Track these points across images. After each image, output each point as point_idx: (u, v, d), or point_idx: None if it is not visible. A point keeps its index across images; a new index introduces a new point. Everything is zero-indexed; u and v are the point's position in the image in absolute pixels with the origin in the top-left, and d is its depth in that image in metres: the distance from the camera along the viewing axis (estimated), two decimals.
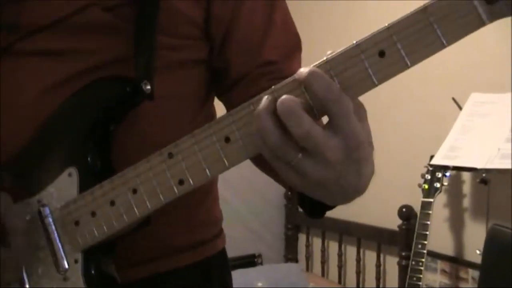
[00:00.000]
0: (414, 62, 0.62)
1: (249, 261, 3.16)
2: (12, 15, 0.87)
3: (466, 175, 2.53)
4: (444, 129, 2.36)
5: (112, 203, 0.80)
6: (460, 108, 2.37)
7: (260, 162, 0.82)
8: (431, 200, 2.37)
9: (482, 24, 0.59)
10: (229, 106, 0.99)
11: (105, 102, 0.84)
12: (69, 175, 0.84)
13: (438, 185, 2.38)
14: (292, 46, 1.00)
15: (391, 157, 2.85)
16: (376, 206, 2.96)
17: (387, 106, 2.63)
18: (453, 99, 2.40)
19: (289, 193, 3.45)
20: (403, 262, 2.66)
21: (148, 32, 0.86)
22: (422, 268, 2.34)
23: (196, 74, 0.97)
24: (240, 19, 0.95)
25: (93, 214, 0.82)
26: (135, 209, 0.79)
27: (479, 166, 2.12)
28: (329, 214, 2.93)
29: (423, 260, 2.34)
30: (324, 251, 3.29)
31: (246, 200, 3.27)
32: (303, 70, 0.64)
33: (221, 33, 0.95)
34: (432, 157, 2.36)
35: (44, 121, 0.86)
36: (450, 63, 2.44)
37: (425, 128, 2.68)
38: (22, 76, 0.88)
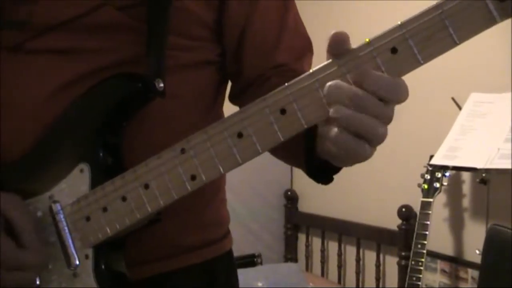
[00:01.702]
0: (427, 59, 0.63)
1: (249, 261, 3.16)
2: (24, 13, 0.88)
3: (465, 175, 2.54)
4: (443, 129, 2.36)
5: (124, 198, 0.81)
6: (460, 108, 2.37)
7: (276, 149, 0.83)
8: (431, 200, 2.37)
9: (494, 22, 0.60)
10: None
11: (117, 98, 0.85)
12: (81, 171, 0.85)
13: (437, 185, 2.38)
14: (303, 48, 1.01)
15: (391, 157, 2.84)
16: (375, 206, 2.97)
17: None
18: (453, 99, 2.41)
19: (289, 192, 3.46)
20: (403, 262, 2.67)
21: (160, 31, 0.87)
22: (421, 268, 2.34)
23: (206, 75, 0.97)
24: (254, 22, 0.96)
25: (105, 209, 0.82)
26: (147, 204, 0.79)
27: (478, 166, 2.12)
28: (329, 214, 2.94)
29: (423, 260, 2.34)
30: (323, 251, 3.29)
31: (246, 200, 3.27)
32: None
33: (235, 36, 0.96)
34: (431, 157, 2.36)
35: (55, 118, 0.87)
36: (450, 63, 2.44)
37: (425, 128, 2.69)
38: (32, 75, 0.88)
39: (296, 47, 1.00)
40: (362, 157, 0.71)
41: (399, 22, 0.64)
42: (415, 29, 0.63)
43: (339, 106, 0.67)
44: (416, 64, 0.64)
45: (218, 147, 0.73)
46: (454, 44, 0.62)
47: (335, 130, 0.68)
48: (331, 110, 0.67)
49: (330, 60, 0.67)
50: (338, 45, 0.67)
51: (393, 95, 0.67)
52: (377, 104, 0.67)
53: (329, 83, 0.67)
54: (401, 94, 0.67)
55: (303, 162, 0.86)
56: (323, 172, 0.84)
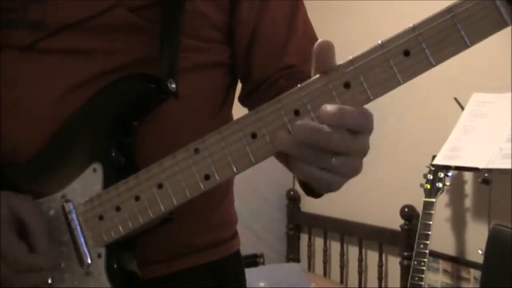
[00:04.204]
0: (439, 61, 0.65)
1: (251, 261, 3.17)
2: (38, 13, 0.89)
3: (468, 175, 2.54)
4: (446, 129, 2.36)
5: (137, 198, 0.81)
6: (462, 108, 2.38)
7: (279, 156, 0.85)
8: (433, 200, 2.37)
9: (505, 24, 0.61)
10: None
11: (130, 99, 0.86)
12: (94, 170, 0.86)
13: (440, 185, 2.38)
14: (311, 50, 1.02)
15: (393, 157, 2.86)
16: (378, 206, 2.97)
17: (389, 106, 2.64)
18: (455, 99, 2.41)
19: (291, 192, 3.47)
20: (405, 262, 2.67)
21: (173, 33, 0.88)
22: (424, 268, 2.34)
23: (217, 76, 0.99)
24: (264, 24, 0.97)
25: (118, 208, 0.83)
26: (160, 204, 0.80)
27: (481, 166, 2.13)
28: (331, 214, 2.93)
29: (425, 260, 2.35)
30: (326, 251, 3.30)
31: (248, 200, 3.28)
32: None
33: (246, 38, 0.97)
34: (434, 157, 2.36)
35: (67, 118, 0.88)
36: (453, 63, 2.43)
37: (427, 128, 2.69)
38: (45, 75, 0.89)
39: (304, 49, 1.00)
40: (334, 187, 0.74)
41: (411, 25, 0.65)
42: (428, 32, 0.64)
43: (301, 146, 0.69)
44: (429, 66, 0.65)
45: (232, 147, 0.74)
46: (466, 46, 0.63)
47: (298, 164, 0.71)
48: (294, 150, 0.70)
49: (341, 63, 0.68)
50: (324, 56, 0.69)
51: (361, 126, 0.68)
52: (343, 140, 0.68)
53: (297, 123, 0.69)
54: (368, 125, 0.69)
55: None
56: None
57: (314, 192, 0.85)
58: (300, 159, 0.70)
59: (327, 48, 0.69)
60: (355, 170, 0.71)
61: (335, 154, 0.69)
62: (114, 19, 0.88)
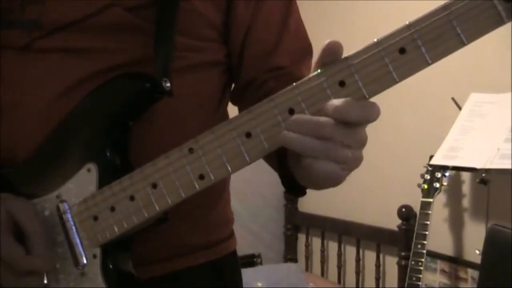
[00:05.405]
0: (435, 59, 0.64)
1: (249, 261, 3.17)
2: (35, 13, 0.89)
3: (465, 175, 2.54)
4: (443, 129, 2.37)
5: (132, 198, 0.81)
6: (460, 108, 2.38)
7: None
8: (431, 200, 2.37)
9: (501, 22, 0.61)
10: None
11: (125, 98, 0.86)
12: (88, 170, 0.85)
13: (437, 185, 2.38)
14: (303, 52, 1.02)
15: (391, 157, 2.86)
16: (375, 206, 2.98)
17: (386, 106, 2.64)
18: (453, 99, 2.41)
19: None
20: (403, 262, 2.67)
21: (168, 32, 0.87)
22: (421, 268, 2.34)
23: (214, 75, 0.98)
24: (257, 24, 0.97)
25: (112, 209, 0.83)
26: (155, 203, 0.80)
27: (478, 166, 2.13)
28: (329, 214, 2.93)
29: (423, 260, 2.34)
30: (323, 251, 3.30)
31: (246, 200, 3.27)
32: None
33: (241, 37, 0.97)
34: (431, 157, 2.37)
35: (63, 118, 0.87)
36: (450, 63, 2.44)
37: (425, 128, 2.69)
38: (42, 74, 0.89)
39: (295, 50, 1.00)
40: (333, 180, 0.72)
41: (407, 22, 0.64)
42: (424, 30, 0.64)
43: (298, 136, 0.69)
44: (424, 64, 0.64)
45: (227, 146, 0.74)
46: (462, 44, 0.63)
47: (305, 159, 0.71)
48: (291, 144, 0.69)
49: (340, 60, 0.68)
50: (332, 54, 0.69)
51: (358, 118, 0.68)
52: (339, 131, 0.68)
53: (292, 118, 0.69)
54: (365, 116, 0.68)
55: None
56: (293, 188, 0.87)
57: (297, 190, 0.87)
58: (308, 153, 0.69)
59: (338, 47, 0.69)
60: (360, 160, 0.72)
61: (343, 146, 0.69)
62: (111, 18, 0.88)
